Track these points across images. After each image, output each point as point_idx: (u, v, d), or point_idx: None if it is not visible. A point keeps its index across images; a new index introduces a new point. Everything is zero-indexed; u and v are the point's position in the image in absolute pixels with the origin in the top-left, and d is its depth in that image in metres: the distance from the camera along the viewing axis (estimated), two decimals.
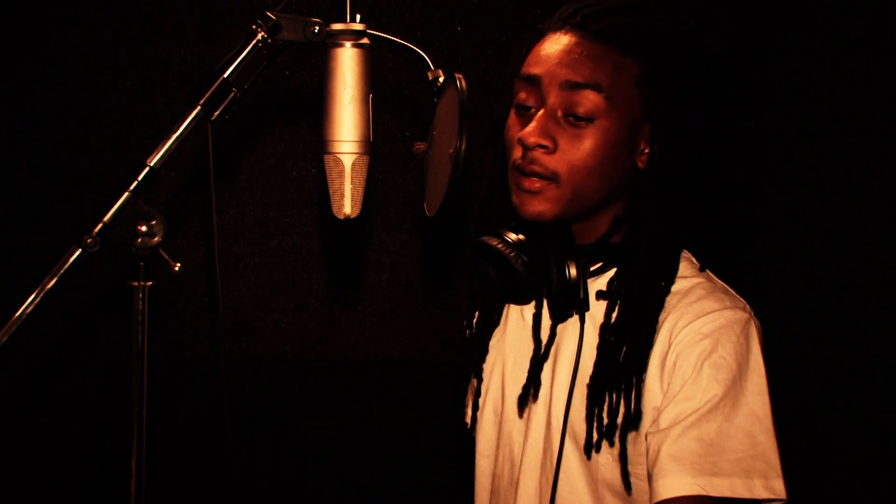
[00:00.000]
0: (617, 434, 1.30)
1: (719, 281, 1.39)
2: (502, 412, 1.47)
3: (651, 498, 1.27)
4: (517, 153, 1.35)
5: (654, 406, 1.29)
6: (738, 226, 2.38)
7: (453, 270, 2.50)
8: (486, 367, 1.50)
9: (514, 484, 1.42)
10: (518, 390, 1.42)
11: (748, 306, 1.34)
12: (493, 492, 1.49)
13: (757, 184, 2.37)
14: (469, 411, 1.55)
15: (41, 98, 2.30)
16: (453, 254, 2.48)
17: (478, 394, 1.51)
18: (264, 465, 2.41)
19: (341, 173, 1.27)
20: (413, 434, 2.43)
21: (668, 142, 1.33)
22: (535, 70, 1.34)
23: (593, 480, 1.35)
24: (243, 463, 2.38)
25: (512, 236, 1.39)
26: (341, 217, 1.30)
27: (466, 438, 1.59)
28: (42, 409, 2.35)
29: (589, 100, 1.30)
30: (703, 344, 1.28)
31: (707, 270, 1.39)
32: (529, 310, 1.46)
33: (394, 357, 2.46)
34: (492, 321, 1.51)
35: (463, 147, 1.18)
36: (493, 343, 1.51)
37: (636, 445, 1.31)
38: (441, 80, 1.29)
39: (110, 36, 2.31)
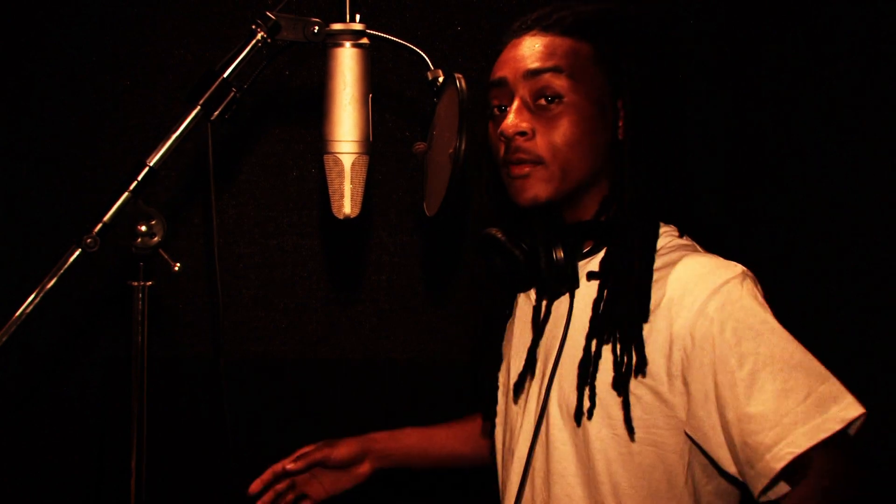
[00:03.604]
0: (620, 381, 1.34)
1: (699, 247, 1.44)
2: (508, 385, 1.55)
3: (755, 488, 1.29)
4: (502, 150, 1.42)
5: (658, 362, 1.33)
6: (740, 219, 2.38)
7: (453, 270, 2.50)
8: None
9: (511, 452, 1.51)
10: (520, 369, 1.49)
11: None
12: (502, 456, 1.58)
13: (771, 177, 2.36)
14: None
15: (41, 98, 2.30)
16: (453, 254, 2.48)
17: (494, 400, 1.58)
18: (264, 465, 2.41)
19: (341, 173, 1.27)
20: None
21: (632, 108, 1.41)
22: (500, 73, 1.44)
23: (583, 449, 1.39)
24: (243, 463, 2.38)
25: (507, 228, 1.46)
26: (341, 217, 1.30)
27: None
28: (42, 409, 2.35)
29: (553, 81, 1.39)
30: (713, 326, 1.30)
31: (686, 236, 1.44)
32: (529, 295, 1.54)
33: (394, 357, 2.46)
34: (503, 315, 1.58)
35: (463, 147, 1.20)
36: (507, 326, 1.59)
37: (646, 403, 1.34)
38: (441, 80, 1.30)
39: (110, 36, 2.31)
